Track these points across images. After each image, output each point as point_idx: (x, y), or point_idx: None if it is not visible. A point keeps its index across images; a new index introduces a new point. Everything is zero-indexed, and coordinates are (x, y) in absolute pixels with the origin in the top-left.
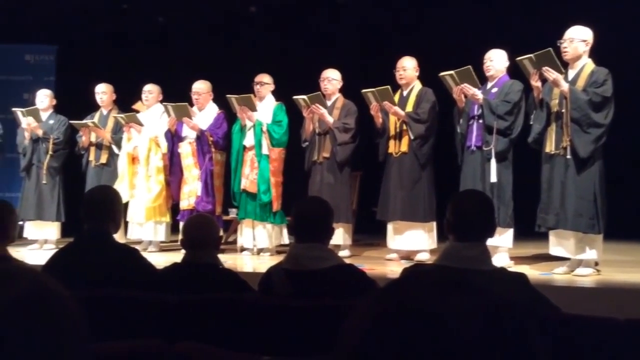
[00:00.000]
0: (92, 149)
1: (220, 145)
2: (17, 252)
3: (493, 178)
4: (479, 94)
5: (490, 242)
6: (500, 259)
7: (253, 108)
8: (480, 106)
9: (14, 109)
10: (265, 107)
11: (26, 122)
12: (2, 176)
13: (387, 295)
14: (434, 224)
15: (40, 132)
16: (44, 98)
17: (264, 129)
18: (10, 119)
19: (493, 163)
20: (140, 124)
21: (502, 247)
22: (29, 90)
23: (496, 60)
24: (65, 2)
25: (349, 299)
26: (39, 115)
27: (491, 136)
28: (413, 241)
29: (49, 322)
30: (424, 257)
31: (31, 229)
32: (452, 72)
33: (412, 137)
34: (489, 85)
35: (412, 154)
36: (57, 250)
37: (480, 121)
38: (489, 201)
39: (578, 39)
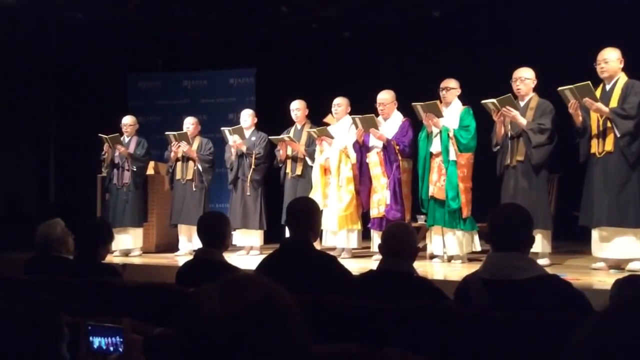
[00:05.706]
0: (289, 162)
1: (407, 153)
2: (228, 258)
3: None
4: None
5: None
6: None
7: (439, 114)
8: None
9: (222, 128)
10: (451, 113)
11: (232, 139)
12: (213, 189)
13: (616, 316)
14: None
15: (244, 148)
16: (246, 117)
17: (451, 134)
18: (219, 137)
19: None
20: (331, 137)
21: None
22: (233, 111)
23: None
24: (260, 26)
25: (554, 313)
26: (243, 133)
27: None
28: (623, 249)
29: (281, 327)
30: (637, 266)
31: (238, 236)
32: None
33: (618, 135)
34: None
35: (619, 153)
36: (265, 256)
37: None
38: None
39: None
